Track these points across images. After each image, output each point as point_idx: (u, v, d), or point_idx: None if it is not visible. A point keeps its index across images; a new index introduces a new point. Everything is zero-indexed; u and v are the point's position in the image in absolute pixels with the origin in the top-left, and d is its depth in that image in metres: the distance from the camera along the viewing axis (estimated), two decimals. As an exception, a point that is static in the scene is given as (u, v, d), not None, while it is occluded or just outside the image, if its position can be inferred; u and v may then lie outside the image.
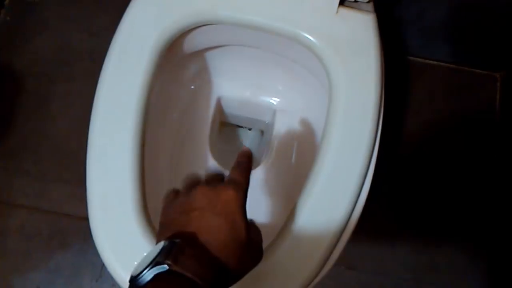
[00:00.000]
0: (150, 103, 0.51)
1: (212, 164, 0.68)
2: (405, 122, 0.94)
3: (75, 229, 0.84)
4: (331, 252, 0.47)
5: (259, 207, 0.65)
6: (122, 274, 0.45)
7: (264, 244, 0.46)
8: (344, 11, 0.52)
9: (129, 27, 0.51)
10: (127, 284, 0.46)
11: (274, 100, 0.71)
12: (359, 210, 0.50)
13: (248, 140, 0.84)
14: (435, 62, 0.97)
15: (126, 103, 0.50)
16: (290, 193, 0.66)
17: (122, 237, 0.46)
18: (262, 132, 0.83)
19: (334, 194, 0.47)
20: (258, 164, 0.68)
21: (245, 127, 0.85)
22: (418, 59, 0.97)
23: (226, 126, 0.82)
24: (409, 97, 0.96)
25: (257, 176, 0.67)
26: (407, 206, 0.90)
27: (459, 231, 0.89)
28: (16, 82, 0.91)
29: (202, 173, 0.65)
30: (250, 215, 0.62)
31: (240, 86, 0.70)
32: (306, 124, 0.68)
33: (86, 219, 0.86)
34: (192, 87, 0.67)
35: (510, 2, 0.75)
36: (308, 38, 0.51)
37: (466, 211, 0.90)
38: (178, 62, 0.59)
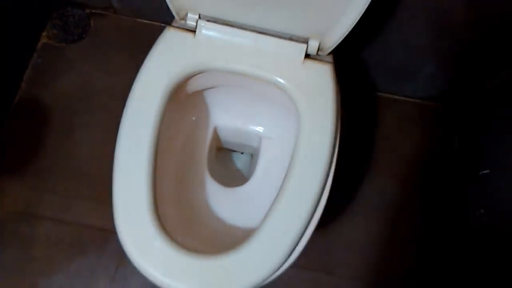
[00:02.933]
0: (161, 132, 0.67)
1: (209, 181, 0.83)
2: (375, 150, 1.09)
3: (92, 238, 0.97)
4: (295, 246, 0.61)
5: (247, 216, 0.80)
6: (140, 261, 0.59)
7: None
8: (309, 62, 0.69)
9: (146, 73, 0.67)
10: (143, 266, 0.59)
11: (260, 129, 0.87)
12: (319, 213, 0.65)
13: (240, 162, 0.99)
14: (402, 98, 1.13)
15: (143, 133, 0.64)
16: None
17: (139, 231, 0.60)
18: (251, 156, 0.98)
19: (298, 200, 0.62)
20: (246, 181, 0.83)
21: (238, 151, 1.00)
22: (387, 94, 1.13)
23: (222, 151, 0.98)
24: (378, 128, 1.11)
25: (245, 190, 0.82)
26: (378, 218, 1.04)
27: (423, 236, 1.03)
28: (45, 115, 1.06)
29: (200, 187, 0.80)
30: (239, 223, 0.77)
31: (233, 117, 0.86)
32: (285, 148, 0.83)
33: (102, 229, 1.02)
34: (194, 118, 0.83)
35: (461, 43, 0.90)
36: (281, 82, 0.68)
37: (428, 223, 1.04)
38: (183, 99, 0.75)
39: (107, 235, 0.97)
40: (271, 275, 0.61)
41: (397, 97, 1.13)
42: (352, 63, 1.03)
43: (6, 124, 1.04)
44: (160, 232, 0.60)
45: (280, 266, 0.61)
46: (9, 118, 1.05)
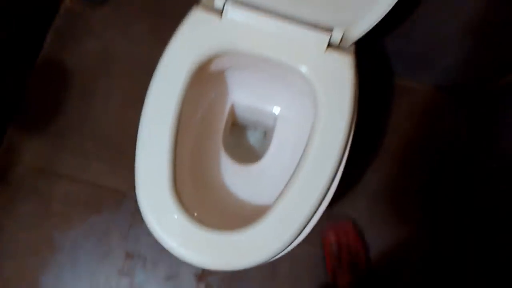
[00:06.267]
0: (183, 106, 0.69)
1: (224, 157, 0.86)
2: (383, 134, 1.12)
3: (107, 198, 1.02)
4: (303, 228, 0.65)
5: (258, 193, 0.83)
6: (159, 231, 0.64)
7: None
8: (331, 51, 0.70)
9: (172, 52, 0.68)
10: (161, 236, 0.63)
11: (276, 109, 0.89)
12: (328, 199, 0.68)
13: (253, 138, 1.02)
14: (416, 85, 1.14)
15: (167, 105, 0.67)
16: (284, 182, 0.85)
17: (159, 204, 0.64)
18: (265, 133, 1.01)
19: (309, 187, 0.65)
20: (259, 159, 0.86)
21: (251, 128, 1.03)
22: (403, 81, 1.14)
23: (236, 127, 1.01)
24: (390, 113, 1.13)
25: (258, 168, 0.85)
26: (380, 200, 1.08)
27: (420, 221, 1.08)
28: (66, 77, 1.08)
29: (215, 162, 0.84)
30: (250, 199, 0.81)
31: (251, 95, 0.88)
32: (299, 130, 0.86)
33: (117, 191, 1.06)
34: (213, 95, 0.86)
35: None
36: (302, 70, 0.70)
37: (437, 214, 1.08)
38: (205, 78, 0.77)
39: (121, 196, 1.02)
40: (277, 254, 0.65)
41: (412, 84, 1.14)
42: (373, 47, 1.04)
43: (29, 84, 1.07)
44: (178, 206, 0.64)
45: (287, 247, 0.65)
46: (31, 78, 1.07)
